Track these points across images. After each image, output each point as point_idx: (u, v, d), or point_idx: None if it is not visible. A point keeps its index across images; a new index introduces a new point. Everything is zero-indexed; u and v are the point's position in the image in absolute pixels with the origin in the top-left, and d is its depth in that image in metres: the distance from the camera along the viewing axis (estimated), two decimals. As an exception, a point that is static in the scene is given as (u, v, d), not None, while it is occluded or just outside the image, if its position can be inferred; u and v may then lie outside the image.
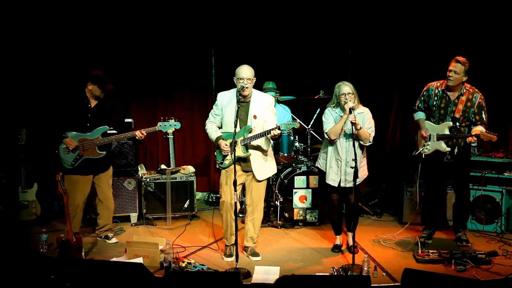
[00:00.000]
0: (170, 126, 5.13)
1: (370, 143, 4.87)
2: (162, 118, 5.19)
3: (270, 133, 4.57)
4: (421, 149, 5.09)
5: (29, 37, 6.46)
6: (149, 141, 7.21)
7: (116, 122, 5.32)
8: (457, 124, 4.94)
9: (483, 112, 4.90)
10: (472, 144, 5.87)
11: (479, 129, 4.75)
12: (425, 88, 5.14)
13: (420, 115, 5.18)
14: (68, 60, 6.56)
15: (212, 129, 4.88)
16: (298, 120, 4.47)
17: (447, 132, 4.93)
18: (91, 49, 6.63)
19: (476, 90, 4.94)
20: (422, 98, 5.14)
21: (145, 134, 5.09)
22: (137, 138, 5.08)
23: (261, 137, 4.67)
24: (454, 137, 4.90)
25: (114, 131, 5.24)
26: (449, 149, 4.95)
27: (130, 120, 6.33)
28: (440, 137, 4.94)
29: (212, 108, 4.95)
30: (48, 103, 5.90)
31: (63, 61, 6.57)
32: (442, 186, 5.28)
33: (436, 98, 5.02)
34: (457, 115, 4.92)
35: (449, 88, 4.95)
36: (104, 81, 5.09)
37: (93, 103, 5.18)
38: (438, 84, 5.04)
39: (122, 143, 6.15)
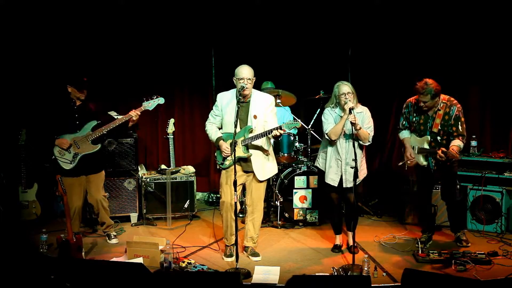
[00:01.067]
0: (154, 102, 5.19)
1: (369, 143, 4.87)
2: (144, 98, 5.22)
3: (271, 133, 4.57)
4: (405, 160, 5.14)
5: (28, 37, 6.45)
6: (149, 141, 7.21)
7: (106, 120, 5.29)
8: (438, 138, 4.93)
9: (459, 123, 4.85)
10: (472, 144, 5.90)
11: (455, 143, 4.76)
12: (404, 105, 5.14)
13: (404, 134, 5.18)
14: (68, 60, 6.56)
15: (212, 130, 4.88)
16: (297, 120, 4.47)
17: (426, 146, 4.94)
18: (91, 49, 6.64)
19: (454, 101, 4.90)
20: (404, 116, 5.13)
21: (139, 113, 5.12)
22: (134, 118, 5.10)
23: (262, 137, 4.66)
24: (429, 152, 4.93)
25: (100, 122, 5.22)
26: (426, 163, 4.98)
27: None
28: (419, 151, 5.00)
29: (212, 108, 4.95)
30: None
31: (62, 61, 6.57)
32: (428, 190, 5.29)
33: (415, 114, 5.02)
34: (435, 130, 4.91)
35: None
36: (81, 82, 5.12)
37: (78, 102, 5.22)
38: (415, 100, 4.98)
39: (123, 143, 6.15)
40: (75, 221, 5.22)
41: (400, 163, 5.22)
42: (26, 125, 6.04)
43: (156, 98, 5.21)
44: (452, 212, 5.25)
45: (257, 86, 5.61)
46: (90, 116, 5.20)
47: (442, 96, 4.89)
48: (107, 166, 5.79)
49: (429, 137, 4.94)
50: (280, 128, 4.51)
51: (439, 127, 4.90)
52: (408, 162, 5.10)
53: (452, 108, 4.87)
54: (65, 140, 5.12)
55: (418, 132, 5.03)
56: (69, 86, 5.14)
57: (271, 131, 4.57)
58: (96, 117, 5.22)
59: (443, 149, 4.75)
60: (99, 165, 5.36)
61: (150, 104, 5.19)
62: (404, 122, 5.18)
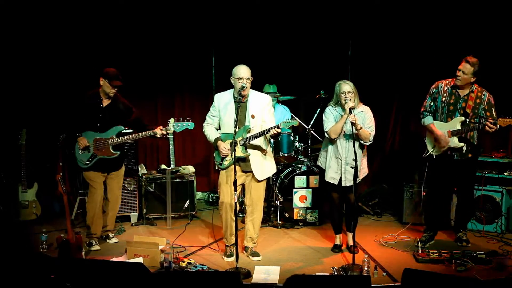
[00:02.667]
0: (184, 125, 5.11)
1: (370, 142, 4.87)
2: (175, 118, 5.16)
3: (269, 132, 4.57)
4: (431, 149, 5.06)
5: (28, 37, 6.45)
6: (149, 141, 7.21)
7: (130, 122, 5.29)
8: (466, 120, 4.91)
9: (493, 109, 4.90)
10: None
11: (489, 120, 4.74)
12: (433, 86, 5.09)
13: (429, 119, 5.06)
14: (68, 60, 6.56)
15: (210, 131, 4.88)
16: (296, 118, 4.48)
17: (459, 127, 4.89)
18: (91, 49, 6.63)
19: (484, 89, 4.94)
20: (433, 96, 5.06)
21: (165, 132, 5.08)
22: (157, 136, 5.08)
23: (260, 136, 4.67)
24: (469, 130, 4.86)
25: (130, 130, 5.24)
26: (462, 144, 4.89)
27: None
28: (453, 133, 4.90)
29: (211, 108, 4.96)
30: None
31: (62, 61, 6.58)
32: (448, 188, 5.25)
33: (445, 95, 4.99)
34: (468, 110, 4.89)
35: (458, 87, 4.94)
36: (115, 77, 5.05)
37: (105, 102, 5.15)
38: (447, 81, 5.02)
39: (123, 143, 6.15)
40: (97, 219, 5.19)
41: (426, 153, 5.10)
42: (26, 125, 6.04)
43: (186, 121, 5.10)
44: (462, 210, 5.19)
45: (259, 87, 5.62)
46: (116, 119, 5.14)
47: (475, 84, 4.93)
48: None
49: (462, 117, 4.88)
50: (278, 127, 4.51)
51: (471, 109, 4.88)
52: (437, 150, 4.98)
53: (483, 93, 4.91)
54: (84, 140, 5.07)
55: (445, 114, 4.97)
56: (102, 78, 5.04)
57: (268, 130, 4.57)
58: (124, 121, 5.18)
59: (491, 119, 4.71)
60: (120, 162, 5.34)
61: (178, 127, 5.10)
62: (431, 103, 5.07)
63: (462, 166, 5.00)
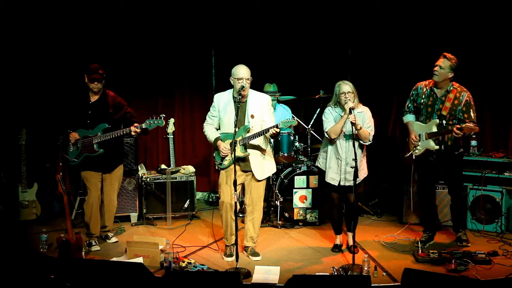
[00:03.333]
0: (154, 123, 5.03)
1: (370, 142, 4.88)
2: (150, 116, 5.12)
3: (268, 132, 4.57)
4: (412, 151, 5.09)
5: (29, 37, 6.46)
6: (149, 141, 7.21)
7: (119, 119, 5.26)
8: (444, 122, 4.91)
9: (471, 110, 4.87)
10: (472, 144, 5.89)
11: (469, 123, 4.71)
12: (414, 87, 5.15)
13: (409, 118, 5.15)
14: (68, 60, 6.56)
15: (210, 131, 4.88)
16: (296, 118, 4.48)
17: (434, 130, 4.90)
18: (91, 49, 6.63)
19: (465, 89, 4.92)
20: (412, 98, 5.13)
21: (139, 130, 5.05)
22: (132, 134, 5.07)
23: (259, 136, 4.67)
24: (441, 134, 4.88)
25: (110, 127, 5.17)
26: (437, 147, 4.90)
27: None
28: (429, 136, 4.93)
29: (211, 109, 4.96)
30: (52, 102, 5.94)
31: (62, 61, 6.57)
32: (431, 187, 5.28)
33: (424, 97, 5.02)
34: (443, 113, 4.90)
35: (436, 85, 4.96)
36: (94, 71, 5.07)
37: (93, 99, 5.17)
38: (427, 82, 5.05)
39: (123, 143, 6.15)
40: (95, 220, 5.20)
41: (407, 154, 5.15)
42: (26, 125, 6.04)
43: (156, 119, 5.04)
44: (455, 209, 5.21)
45: (259, 87, 5.62)
46: (104, 116, 5.14)
47: (454, 82, 4.92)
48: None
49: (437, 120, 4.89)
50: (277, 126, 4.51)
51: (448, 111, 4.88)
52: (416, 150, 4.99)
53: (462, 94, 4.88)
54: (75, 135, 5.10)
55: (424, 116, 5.00)
56: (85, 75, 5.08)
57: (268, 129, 4.57)
58: (112, 118, 5.17)
59: (458, 125, 4.69)
60: (114, 163, 5.32)
61: (150, 124, 5.03)
62: (409, 105, 5.15)
63: (441, 166, 5.03)
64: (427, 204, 5.27)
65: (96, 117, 5.13)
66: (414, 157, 5.08)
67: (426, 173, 5.15)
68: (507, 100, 6.20)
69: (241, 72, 4.66)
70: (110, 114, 5.18)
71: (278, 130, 4.54)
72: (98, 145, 5.11)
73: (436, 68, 4.88)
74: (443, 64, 4.84)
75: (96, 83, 5.08)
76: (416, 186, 5.42)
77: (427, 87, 5.02)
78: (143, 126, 5.05)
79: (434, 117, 4.94)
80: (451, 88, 4.91)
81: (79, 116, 5.14)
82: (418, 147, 5.02)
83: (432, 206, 5.34)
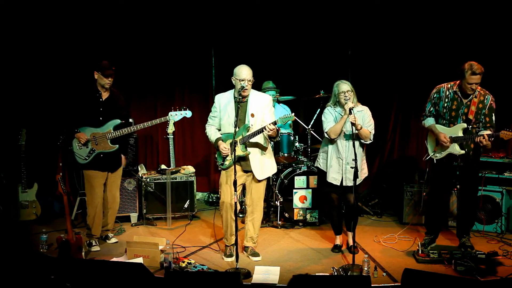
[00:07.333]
0: (181, 114, 5.28)
1: (371, 141, 4.88)
2: (173, 108, 5.32)
3: (266, 129, 4.55)
4: (431, 153, 4.97)
5: (29, 37, 6.46)
6: (149, 141, 7.21)
7: (126, 116, 5.29)
8: (469, 126, 4.78)
9: (493, 114, 4.77)
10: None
11: (487, 132, 4.62)
12: (434, 91, 4.94)
13: (430, 121, 4.96)
14: (68, 60, 6.56)
15: (212, 132, 4.89)
16: (293, 114, 4.49)
17: (461, 134, 4.76)
18: (91, 49, 6.63)
19: (487, 92, 4.80)
20: (433, 101, 4.93)
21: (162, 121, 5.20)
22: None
23: (258, 133, 4.65)
24: (469, 139, 4.71)
25: (123, 122, 5.22)
26: (463, 151, 4.76)
27: (130, 120, 6.32)
28: (454, 140, 4.77)
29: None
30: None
31: (62, 61, 6.58)
32: (448, 191, 5.21)
33: (447, 100, 4.83)
34: (470, 117, 4.75)
35: (461, 89, 4.78)
36: (108, 67, 5.07)
37: (104, 95, 5.16)
38: (449, 85, 4.86)
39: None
40: (98, 220, 5.20)
41: (426, 157, 5.02)
42: (26, 125, 6.03)
43: (184, 110, 5.28)
44: (464, 214, 5.05)
45: (258, 86, 5.62)
46: (115, 113, 5.15)
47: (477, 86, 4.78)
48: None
49: (465, 124, 4.74)
50: (274, 123, 4.50)
51: (474, 115, 4.74)
52: (438, 154, 4.84)
53: (486, 97, 4.77)
54: (83, 135, 5.08)
55: (447, 120, 4.84)
56: (96, 72, 5.08)
57: (266, 126, 4.56)
58: (122, 114, 5.20)
59: (485, 133, 4.56)
60: (119, 162, 5.33)
61: (176, 116, 5.26)
62: (431, 109, 4.94)
63: (464, 171, 4.91)
64: (438, 208, 5.11)
65: (108, 114, 5.13)
66: (435, 161, 4.92)
67: (446, 177, 4.99)
68: (507, 100, 6.20)
69: (244, 73, 4.66)
70: (122, 110, 5.21)
71: (275, 126, 4.50)
72: (111, 141, 5.12)
73: (473, 87, 4.66)
74: (477, 80, 4.64)
75: (110, 78, 5.09)
76: (430, 188, 5.21)
77: (450, 90, 4.83)
78: (168, 119, 5.23)
79: (459, 121, 4.79)
80: (476, 93, 4.76)
81: (91, 113, 5.11)
82: (439, 151, 4.88)
83: (444, 210, 5.26)
